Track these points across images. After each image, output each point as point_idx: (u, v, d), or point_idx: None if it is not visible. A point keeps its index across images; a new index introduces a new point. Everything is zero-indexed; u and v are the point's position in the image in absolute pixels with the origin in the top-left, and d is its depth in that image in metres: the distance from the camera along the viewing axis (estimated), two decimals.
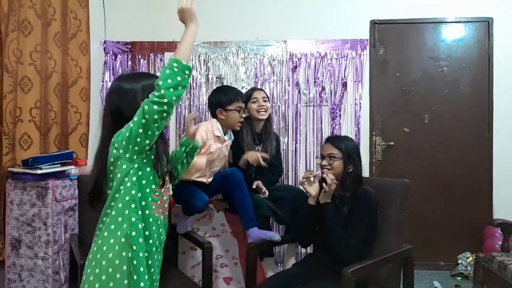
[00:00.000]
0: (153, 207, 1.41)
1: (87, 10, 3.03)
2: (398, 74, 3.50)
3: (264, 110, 2.55)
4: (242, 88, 3.30)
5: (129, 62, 3.35)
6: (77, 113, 2.94)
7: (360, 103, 3.42)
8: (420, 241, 3.38)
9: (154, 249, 1.40)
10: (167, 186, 1.51)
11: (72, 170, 2.49)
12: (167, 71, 1.31)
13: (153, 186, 1.41)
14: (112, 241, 1.34)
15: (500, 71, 3.42)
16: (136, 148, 1.34)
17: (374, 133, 3.49)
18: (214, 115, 2.39)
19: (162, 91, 1.28)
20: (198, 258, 2.22)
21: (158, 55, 3.37)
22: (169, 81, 1.29)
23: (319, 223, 1.94)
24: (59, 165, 2.42)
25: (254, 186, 2.41)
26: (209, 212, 2.44)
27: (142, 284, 1.33)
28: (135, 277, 1.32)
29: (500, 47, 3.42)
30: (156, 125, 1.31)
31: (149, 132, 1.32)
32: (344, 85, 3.39)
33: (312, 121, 3.42)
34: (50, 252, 2.32)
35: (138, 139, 1.32)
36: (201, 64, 3.37)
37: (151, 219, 1.39)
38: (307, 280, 1.83)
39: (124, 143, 1.34)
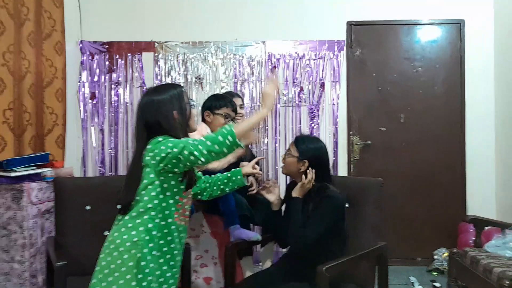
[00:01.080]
0: (175, 216, 1.54)
1: (62, 10, 2.99)
2: (374, 74, 3.58)
3: (240, 117, 2.57)
4: (222, 88, 3.31)
5: (107, 63, 3.32)
6: (53, 114, 2.90)
7: (337, 103, 3.48)
8: (397, 238, 3.47)
9: (176, 252, 1.54)
10: (190, 196, 1.62)
11: (48, 172, 2.45)
12: (220, 138, 1.42)
13: (177, 197, 1.53)
14: (125, 237, 1.45)
15: (471, 72, 3.53)
16: (165, 168, 1.47)
17: (351, 132, 3.55)
18: (203, 119, 2.43)
19: (205, 152, 1.42)
20: None
21: (136, 55, 3.34)
22: (216, 147, 1.42)
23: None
24: (34, 167, 2.38)
25: (248, 183, 2.42)
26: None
27: (144, 284, 1.43)
28: (139, 276, 1.42)
29: (471, 49, 3.53)
30: (188, 165, 1.46)
31: (180, 165, 1.46)
32: (322, 85, 3.44)
33: (291, 121, 3.46)
34: (27, 255, 2.28)
35: (169, 165, 1.46)
36: (179, 64, 3.36)
37: (173, 227, 1.52)
38: (284, 280, 1.85)
39: (158, 158, 1.46)
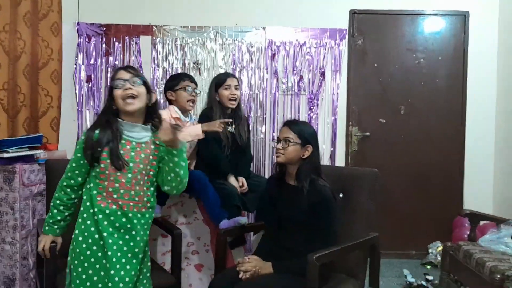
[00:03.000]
0: (98, 198, 1.61)
1: None
2: (376, 65, 3.52)
3: (235, 99, 2.54)
4: None
5: (104, 45, 3.27)
6: (48, 96, 2.87)
7: (337, 93, 3.43)
8: (392, 231, 3.45)
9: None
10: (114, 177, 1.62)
11: (41, 154, 2.43)
12: None
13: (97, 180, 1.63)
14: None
15: (474, 65, 3.48)
16: None
17: (350, 123, 3.51)
18: (169, 101, 2.49)
19: None
20: (168, 245, 2.20)
21: (134, 38, 3.29)
22: None
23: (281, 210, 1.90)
24: (27, 149, 2.36)
25: (240, 184, 2.43)
26: (181, 199, 2.43)
27: (79, 270, 1.59)
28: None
29: (475, 41, 3.47)
30: None
31: None
32: (322, 74, 3.39)
33: (290, 110, 3.42)
34: (18, 237, 2.27)
35: None
36: (177, 49, 3.31)
37: (96, 209, 1.61)
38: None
39: None
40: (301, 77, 3.39)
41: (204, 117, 2.52)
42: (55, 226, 1.70)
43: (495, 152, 3.49)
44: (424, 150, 3.52)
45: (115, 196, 1.61)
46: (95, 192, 1.62)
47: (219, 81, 2.57)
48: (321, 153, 3.35)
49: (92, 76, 3.26)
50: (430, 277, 2.89)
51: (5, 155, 2.23)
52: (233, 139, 2.51)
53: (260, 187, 2.39)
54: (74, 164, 1.66)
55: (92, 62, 3.26)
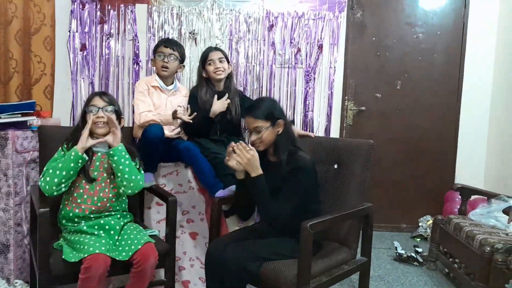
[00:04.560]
0: (66, 202, 1.90)
1: None
2: (374, 38, 3.48)
3: (221, 72, 2.53)
4: (216, 45, 3.21)
5: (98, 13, 3.19)
6: (41, 63, 2.81)
7: (334, 67, 3.40)
8: (385, 204, 3.50)
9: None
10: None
11: (34, 121, 2.40)
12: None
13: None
14: None
15: (473, 41, 3.45)
16: None
17: (346, 97, 3.50)
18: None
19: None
20: (163, 214, 2.21)
21: (129, 6, 3.20)
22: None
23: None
24: (19, 115, 2.33)
25: (224, 101, 2.50)
26: (176, 168, 2.43)
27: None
28: None
29: (475, 16, 3.43)
30: None
31: None
32: (320, 47, 3.35)
33: (286, 83, 3.39)
34: (11, 203, 2.26)
35: None
36: (173, 18, 3.24)
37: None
38: (267, 236, 1.85)
39: None
40: (299, 50, 3.35)
41: (191, 97, 2.56)
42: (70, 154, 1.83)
43: (489, 128, 3.51)
44: (419, 124, 3.53)
45: (79, 201, 1.86)
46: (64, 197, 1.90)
47: (203, 58, 2.59)
48: (316, 126, 3.37)
49: (87, 44, 3.19)
50: (419, 249, 2.95)
51: None
52: (223, 113, 2.52)
53: None
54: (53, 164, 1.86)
55: (86, 30, 3.19)
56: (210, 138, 2.48)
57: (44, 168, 1.85)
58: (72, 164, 1.79)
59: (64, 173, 1.78)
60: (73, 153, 1.79)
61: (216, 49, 2.65)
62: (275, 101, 1.98)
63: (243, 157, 1.73)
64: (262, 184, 1.75)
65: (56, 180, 1.77)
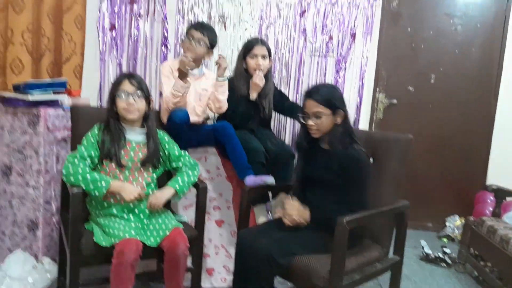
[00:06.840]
0: None
1: None
2: (409, 29, 3.36)
3: (261, 69, 2.45)
4: (246, 30, 3.14)
5: None
6: (72, 42, 2.79)
7: (366, 57, 3.29)
8: (411, 201, 3.37)
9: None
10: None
11: (65, 100, 2.39)
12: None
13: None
14: None
15: None
16: None
17: (377, 89, 3.40)
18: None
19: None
20: (190, 199, 2.19)
21: None
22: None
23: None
24: (51, 93, 2.32)
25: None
26: (205, 154, 2.39)
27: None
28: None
29: None
30: None
31: None
32: (353, 36, 3.24)
33: (316, 72, 3.30)
34: (42, 181, 2.27)
35: None
36: (203, 0, 3.17)
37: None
38: (298, 228, 1.80)
39: None
40: (331, 38, 3.25)
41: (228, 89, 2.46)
42: (101, 182, 1.75)
43: None
44: (452, 121, 3.42)
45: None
46: None
47: (246, 48, 2.48)
48: None
49: (116, 24, 3.15)
50: (447, 250, 2.87)
51: (30, 97, 2.18)
52: (256, 111, 2.47)
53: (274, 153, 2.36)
54: (85, 144, 1.84)
55: (116, 9, 3.15)
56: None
57: (72, 155, 1.81)
58: (91, 186, 1.73)
59: (83, 184, 1.73)
60: (104, 183, 1.74)
61: (263, 42, 2.52)
62: (340, 91, 1.89)
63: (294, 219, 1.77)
64: (318, 218, 1.76)
65: (73, 179, 1.75)
